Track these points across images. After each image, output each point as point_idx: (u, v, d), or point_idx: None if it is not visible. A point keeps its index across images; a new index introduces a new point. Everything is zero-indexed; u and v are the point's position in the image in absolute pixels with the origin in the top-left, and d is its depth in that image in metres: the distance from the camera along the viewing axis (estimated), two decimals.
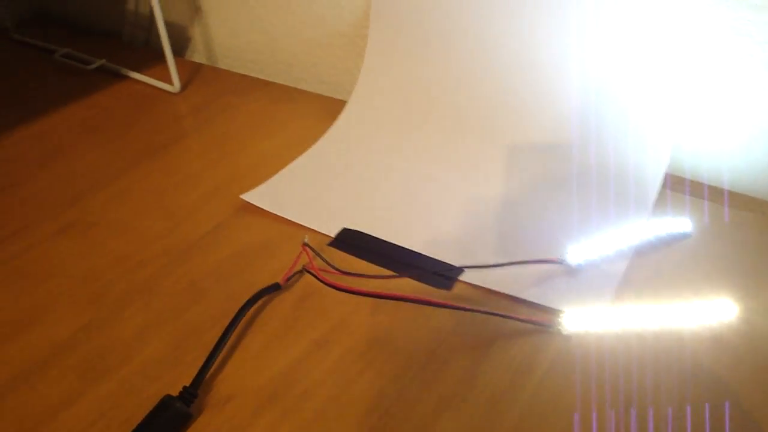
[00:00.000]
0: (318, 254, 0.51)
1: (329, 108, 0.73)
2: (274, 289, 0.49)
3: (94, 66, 0.87)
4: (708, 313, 0.47)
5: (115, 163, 0.69)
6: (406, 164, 0.64)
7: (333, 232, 0.56)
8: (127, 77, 0.86)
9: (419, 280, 0.51)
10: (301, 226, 0.57)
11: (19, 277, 0.55)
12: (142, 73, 0.85)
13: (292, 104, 0.77)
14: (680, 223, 0.55)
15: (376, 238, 0.55)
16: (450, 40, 0.66)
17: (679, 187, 0.60)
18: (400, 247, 0.54)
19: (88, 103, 0.81)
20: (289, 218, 0.58)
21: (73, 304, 0.52)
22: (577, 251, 0.52)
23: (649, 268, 0.52)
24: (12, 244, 0.59)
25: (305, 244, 0.51)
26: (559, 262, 0.52)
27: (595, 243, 0.52)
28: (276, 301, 0.50)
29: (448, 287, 0.50)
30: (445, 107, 0.67)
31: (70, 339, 0.49)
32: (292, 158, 0.66)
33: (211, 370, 0.45)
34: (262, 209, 0.59)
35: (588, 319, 0.46)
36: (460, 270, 0.51)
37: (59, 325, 0.50)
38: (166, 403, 0.41)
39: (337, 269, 0.51)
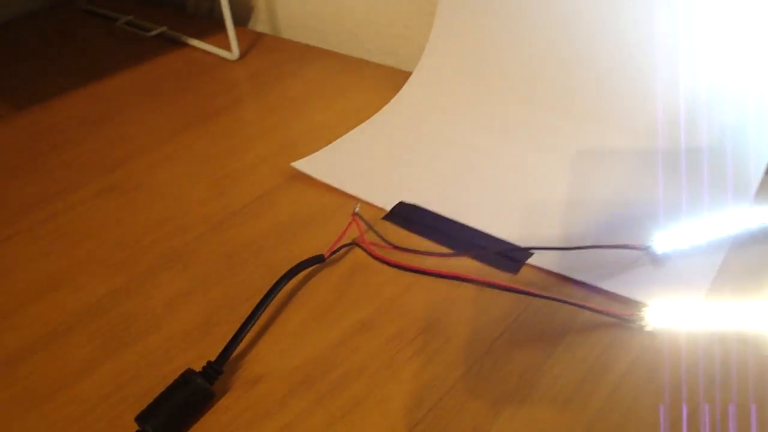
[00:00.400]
0: (370, 226, 0.46)
1: (393, 80, 0.68)
2: (317, 261, 0.44)
3: (153, 33, 0.84)
4: None
5: (164, 128, 0.65)
6: (471, 139, 0.58)
7: (388, 206, 0.51)
8: (186, 45, 0.82)
9: (481, 260, 0.45)
10: (355, 197, 0.52)
11: (55, 238, 0.52)
12: (201, 41, 0.81)
13: (355, 74, 0.72)
14: None
15: (435, 213, 0.49)
16: (525, 13, 0.60)
17: None
18: (461, 224, 0.48)
19: (144, 69, 0.78)
20: (341, 189, 0.53)
21: (105, 268, 0.48)
22: (664, 238, 0.45)
23: (748, 262, 0.45)
24: (52, 203, 0.56)
25: (355, 214, 0.45)
26: (644, 249, 0.45)
27: (686, 231, 0.45)
28: (320, 276, 0.45)
29: (515, 270, 0.44)
30: (516, 81, 0.60)
31: (97, 304, 0.45)
32: (350, 129, 0.61)
33: (241, 347, 0.40)
34: (314, 179, 0.54)
35: (677, 315, 0.40)
36: (528, 252, 0.45)
37: (88, 289, 0.46)
38: (186, 378, 0.37)
39: (390, 243, 0.45)
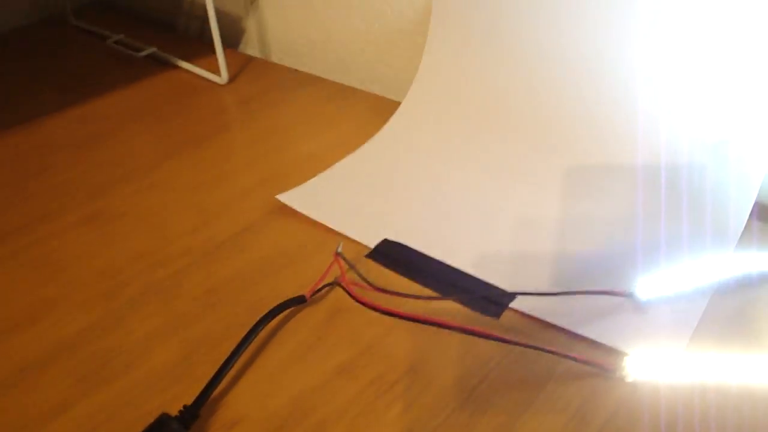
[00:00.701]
0: (352, 266, 0.46)
1: (382, 108, 0.68)
2: (299, 302, 0.44)
3: (143, 53, 0.83)
4: None
5: (152, 153, 0.65)
6: (459, 174, 0.58)
7: (372, 243, 0.50)
8: (176, 66, 0.82)
9: (465, 304, 0.45)
10: (339, 233, 0.52)
11: (34, 267, 0.51)
12: (191, 63, 0.81)
13: (344, 102, 0.72)
14: None
15: (420, 252, 0.49)
16: (514, 46, 0.60)
17: None
18: (445, 264, 0.48)
19: (133, 90, 0.77)
20: (326, 224, 0.53)
21: (85, 301, 0.48)
22: (646, 285, 0.45)
23: (732, 310, 0.45)
24: (32, 231, 0.55)
25: (338, 254, 0.45)
26: (626, 295, 0.45)
27: (668, 277, 0.45)
28: (300, 316, 0.45)
29: (497, 315, 0.44)
30: (505, 116, 0.61)
31: (75, 338, 0.45)
32: (337, 160, 0.61)
33: (219, 389, 0.40)
34: (299, 213, 0.54)
35: (658, 366, 0.40)
36: (511, 296, 0.45)
37: (66, 322, 0.46)
38: (162, 422, 0.36)
39: (372, 285, 0.45)
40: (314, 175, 0.58)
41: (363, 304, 0.42)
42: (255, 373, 0.41)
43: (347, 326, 0.44)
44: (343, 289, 0.44)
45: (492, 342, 0.42)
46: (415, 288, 0.46)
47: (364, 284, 0.45)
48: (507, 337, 0.40)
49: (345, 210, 0.54)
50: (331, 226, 0.52)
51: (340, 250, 0.45)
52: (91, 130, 0.70)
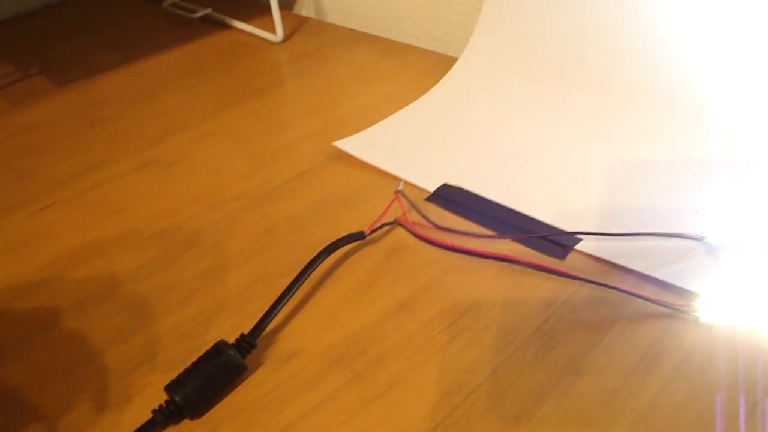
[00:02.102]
0: (413, 205, 0.44)
1: (440, 64, 0.66)
2: (358, 238, 0.43)
3: (198, 15, 0.83)
4: None
5: (205, 106, 0.65)
6: (518, 124, 0.56)
7: (431, 188, 0.49)
8: (230, 27, 0.82)
9: (527, 245, 0.43)
10: (397, 178, 0.50)
11: (92, 209, 0.51)
12: (245, 23, 0.80)
13: (401, 59, 0.70)
14: None
15: (480, 196, 0.47)
16: None
17: None
18: (507, 207, 0.46)
19: (188, 49, 0.77)
20: (383, 169, 0.51)
21: (141, 240, 0.47)
22: (719, 229, 0.43)
23: None
24: (91, 177, 0.56)
25: (399, 192, 0.44)
26: (698, 239, 0.42)
27: (743, 222, 0.43)
28: (359, 254, 0.44)
29: (562, 256, 0.42)
30: (566, 67, 0.58)
31: (130, 275, 0.44)
32: (393, 112, 0.59)
33: (276, 323, 0.39)
34: (356, 159, 0.53)
35: (733, 309, 0.37)
36: (576, 238, 0.43)
37: (122, 260, 0.46)
38: (219, 348, 0.36)
39: (433, 223, 0.43)
40: (370, 126, 0.57)
41: (426, 241, 0.41)
42: (313, 308, 0.40)
43: (407, 265, 0.43)
44: (404, 227, 0.43)
45: (556, 283, 0.40)
46: (478, 230, 0.45)
47: (426, 223, 0.44)
48: (578, 274, 0.39)
49: (403, 156, 0.52)
50: (388, 170, 0.51)
51: (400, 188, 0.44)
52: (147, 86, 0.70)
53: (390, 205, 0.44)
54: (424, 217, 0.44)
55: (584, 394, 0.34)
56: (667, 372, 0.35)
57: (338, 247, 0.42)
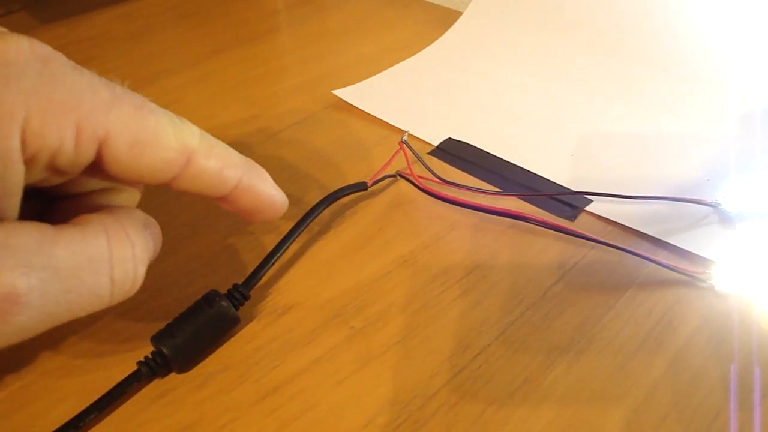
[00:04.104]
0: (418, 157, 0.42)
1: (443, 18, 0.63)
2: (359, 189, 0.40)
3: None
4: None
5: (199, 49, 0.62)
6: (525, 80, 0.53)
7: (435, 141, 0.47)
8: None
9: (535, 204, 0.41)
10: (399, 130, 0.48)
11: None
12: None
13: (402, 10, 0.67)
14: None
15: (486, 152, 0.45)
16: None
17: None
18: (515, 165, 0.44)
19: None
20: (385, 120, 0.49)
21: None
22: (735, 197, 0.41)
23: None
24: None
25: (403, 142, 0.41)
26: (713, 206, 0.41)
27: (761, 190, 0.41)
28: (360, 206, 0.42)
29: (572, 217, 0.40)
30: (575, 22, 0.56)
31: None
32: (396, 63, 0.57)
33: (271, 275, 0.37)
34: (356, 109, 0.50)
35: (750, 277, 0.36)
36: (587, 198, 0.41)
37: None
38: (210, 299, 0.33)
39: (438, 177, 0.41)
40: (371, 75, 0.55)
41: (431, 194, 0.39)
42: (310, 261, 0.38)
43: (410, 219, 0.40)
44: (408, 180, 0.41)
45: (566, 244, 0.38)
46: (482, 186, 0.43)
47: (431, 177, 0.41)
48: (592, 235, 0.37)
49: (406, 108, 0.50)
50: (390, 122, 0.49)
51: (405, 139, 0.42)
52: (136, 27, 0.66)
53: (394, 155, 0.41)
54: (429, 170, 0.42)
55: (595, 360, 0.32)
56: (682, 341, 0.33)
57: (338, 198, 0.39)
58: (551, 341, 0.33)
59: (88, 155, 0.25)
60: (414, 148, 0.43)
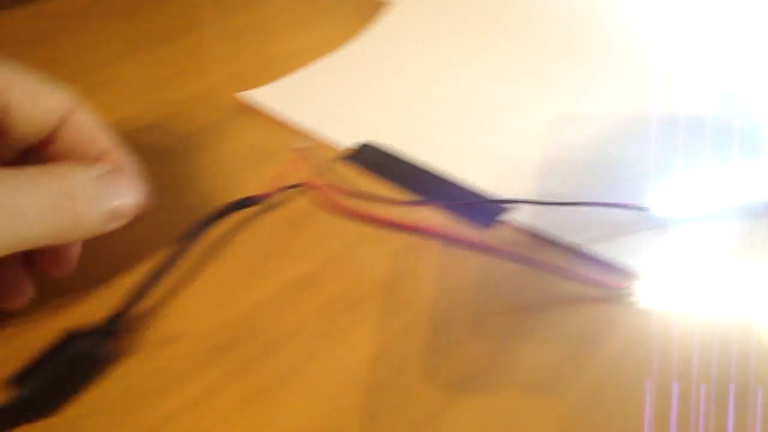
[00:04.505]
0: (322, 166, 0.38)
1: (370, 11, 0.60)
2: (250, 204, 0.37)
3: None
4: None
5: (107, 50, 0.57)
6: (450, 76, 0.50)
7: (350, 146, 0.43)
8: None
9: (451, 211, 0.38)
10: (311, 136, 0.44)
11: None
12: None
13: (324, 2, 0.64)
14: None
15: (404, 157, 0.42)
16: None
17: None
18: (432, 170, 0.41)
19: None
20: (297, 125, 0.45)
21: None
22: (666, 200, 0.38)
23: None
24: None
25: (298, 150, 0.38)
26: (641, 210, 0.38)
27: (692, 193, 0.38)
28: (256, 223, 0.38)
29: (488, 224, 0.37)
30: (504, 17, 0.53)
31: None
32: (317, 59, 0.53)
33: (152, 303, 0.33)
34: (266, 113, 0.47)
35: (676, 291, 0.33)
36: (505, 205, 0.38)
37: None
38: (69, 340, 0.29)
39: (344, 188, 0.38)
40: (287, 75, 0.51)
41: (332, 207, 0.35)
42: (199, 285, 0.34)
43: (311, 234, 0.37)
44: (310, 191, 0.37)
45: (481, 258, 0.35)
46: (397, 195, 0.39)
47: (335, 187, 0.38)
48: (504, 248, 0.33)
49: (321, 111, 0.46)
50: (303, 126, 0.45)
51: (298, 146, 0.38)
52: (42, 28, 0.62)
53: (289, 166, 0.38)
54: (332, 181, 0.38)
55: (499, 395, 0.29)
56: (601, 363, 0.30)
57: (227, 214, 0.36)
58: (450, 374, 0.30)
59: None
60: (326, 155, 0.40)
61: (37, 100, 0.30)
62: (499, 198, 0.38)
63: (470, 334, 0.31)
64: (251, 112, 0.47)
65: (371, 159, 0.42)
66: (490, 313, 0.32)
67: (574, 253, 0.36)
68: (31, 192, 0.27)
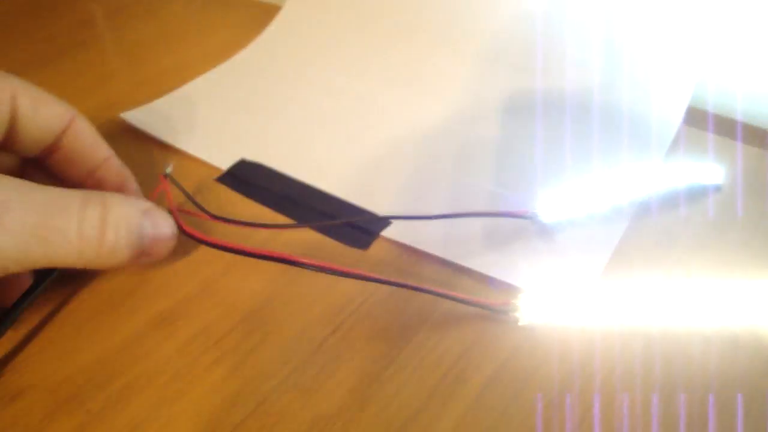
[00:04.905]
0: (183, 191, 0.36)
1: (269, 15, 0.57)
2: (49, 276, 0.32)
3: None
4: (739, 301, 0.32)
5: None
6: (334, 83, 0.48)
7: (227, 165, 0.41)
8: None
9: (326, 233, 0.36)
10: (190, 156, 0.42)
11: None
12: None
13: (225, 10, 0.61)
14: (707, 171, 0.39)
15: (282, 174, 0.40)
16: None
17: (704, 124, 0.44)
18: (308, 187, 0.39)
19: None
20: (174, 145, 0.43)
21: None
22: (552, 205, 0.36)
23: (658, 233, 0.37)
24: None
25: (166, 176, 0.36)
26: (527, 217, 0.36)
27: (578, 195, 0.37)
28: None
29: (365, 246, 0.35)
30: (397, 21, 0.51)
31: None
32: (204, 72, 0.51)
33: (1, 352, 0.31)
34: (148, 134, 0.44)
35: (560, 305, 0.31)
36: (384, 221, 0.36)
37: None
38: None
39: (209, 213, 0.36)
40: (175, 90, 0.48)
41: (191, 236, 0.33)
42: (46, 334, 0.32)
43: (174, 267, 0.35)
44: (177, 217, 0.35)
45: (354, 281, 0.33)
46: (269, 216, 0.37)
47: (200, 212, 0.36)
48: (371, 274, 0.31)
49: (200, 129, 0.44)
50: (180, 147, 0.42)
51: (169, 171, 0.36)
52: None
53: (158, 192, 0.35)
54: (198, 205, 0.36)
55: (372, 425, 0.27)
56: (477, 388, 0.29)
57: (35, 293, 0.32)
58: (317, 410, 0.28)
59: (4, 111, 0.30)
60: (196, 181, 0.38)
61: (42, 108, 0.32)
62: (376, 215, 0.36)
63: (339, 363, 0.30)
64: (133, 133, 0.45)
65: (248, 178, 0.40)
66: (359, 341, 0.31)
67: (457, 267, 0.34)
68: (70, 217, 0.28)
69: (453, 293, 0.31)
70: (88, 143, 0.34)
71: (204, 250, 0.35)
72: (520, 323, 0.31)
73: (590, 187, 0.37)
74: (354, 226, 0.36)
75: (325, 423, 0.27)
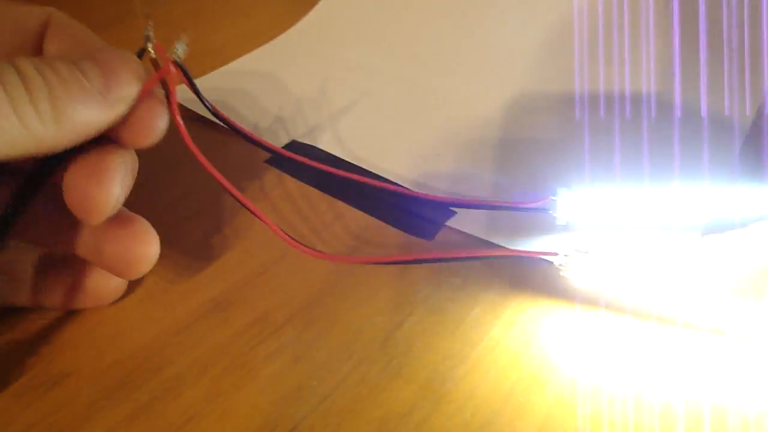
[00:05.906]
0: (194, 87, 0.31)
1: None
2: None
3: None
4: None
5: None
6: (393, 69, 0.46)
7: (279, 145, 0.39)
8: None
9: (385, 220, 0.34)
10: (235, 137, 0.40)
11: None
12: None
13: None
14: None
15: (338, 157, 0.38)
16: None
17: None
18: (369, 171, 0.37)
19: None
20: (223, 122, 0.41)
21: None
22: (565, 200, 0.33)
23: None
24: None
25: (175, 62, 0.30)
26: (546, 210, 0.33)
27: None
28: None
29: (431, 235, 0.33)
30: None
31: None
32: (249, 52, 0.49)
33: (39, 334, 0.29)
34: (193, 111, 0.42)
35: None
36: (448, 211, 0.34)
37: None
38: None
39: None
40: (220, 67, 0.47)
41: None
42: (91, 316, 0.30)
43: (226, 248, 0.33)
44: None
45: (418, 271, 0.31)
46: (318, 199, 0.35)
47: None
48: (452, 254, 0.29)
49: (247, 107, 0.42)
50: (228, 124, 0.40)
51: (180, 50, 0.31)
52: None
53: (149, 86, 0.30)
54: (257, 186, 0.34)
55: (446, 426, 0.25)
56: (553, 394, 0.26)
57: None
58: (387, 407, 0.26)
59: None
60: (249, 158, 0.35)
61: (14, 8, 0.28)
62: (445, 203, 0.34)
63: (403, 364, 0.27)
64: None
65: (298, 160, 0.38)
66: (428, 335, 0.28)
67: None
68: None
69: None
70: (76, 38, 0.30)
71: (258, 231, 0.33)
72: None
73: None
74: (419, 215, 0.34)
75: (396, 423, 0.25)
